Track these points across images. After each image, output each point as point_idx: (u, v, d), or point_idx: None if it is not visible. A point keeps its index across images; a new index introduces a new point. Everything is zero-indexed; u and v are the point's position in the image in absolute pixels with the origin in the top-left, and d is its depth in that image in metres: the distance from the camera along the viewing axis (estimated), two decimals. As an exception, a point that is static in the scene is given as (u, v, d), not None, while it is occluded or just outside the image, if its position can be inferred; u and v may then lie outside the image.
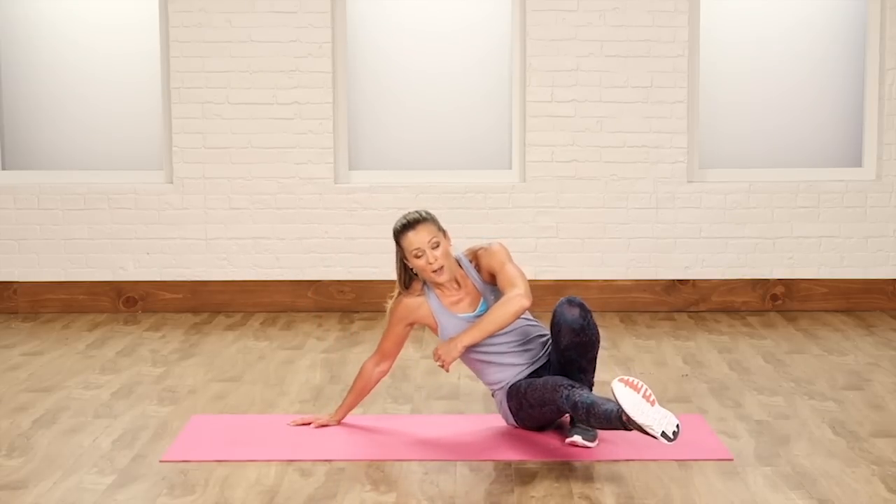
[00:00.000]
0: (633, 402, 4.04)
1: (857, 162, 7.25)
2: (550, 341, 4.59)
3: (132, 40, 7.24)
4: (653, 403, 4.06)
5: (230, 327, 6.79)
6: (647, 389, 4.08)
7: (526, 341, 4.61)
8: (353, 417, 4.87)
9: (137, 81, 7.26)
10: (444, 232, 4.54)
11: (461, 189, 7.13)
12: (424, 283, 4.62)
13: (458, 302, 4.60)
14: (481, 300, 4.61)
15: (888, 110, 7.07)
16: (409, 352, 5.95)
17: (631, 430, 4.13)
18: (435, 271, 4.48)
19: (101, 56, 7.28)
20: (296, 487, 4.08)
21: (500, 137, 7.25)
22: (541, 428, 4.60)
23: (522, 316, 4.57)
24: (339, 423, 4.77)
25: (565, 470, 4.23)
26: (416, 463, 4.32)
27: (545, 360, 4.62)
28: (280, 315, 7.10)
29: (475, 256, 4.63)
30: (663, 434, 4.04)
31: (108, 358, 6.06)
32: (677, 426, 4.06)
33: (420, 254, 4.47)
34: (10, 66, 7.29)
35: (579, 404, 4.25)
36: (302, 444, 4.53)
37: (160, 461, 4.36)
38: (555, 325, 4.47)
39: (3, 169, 7.29)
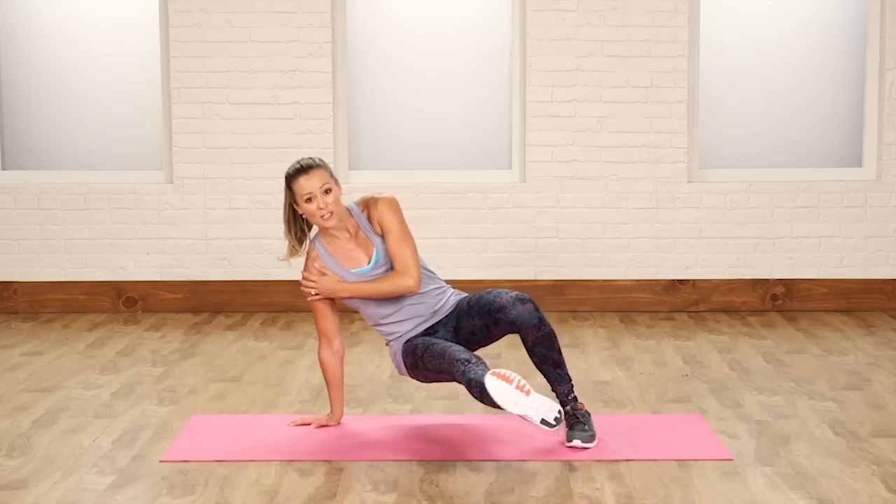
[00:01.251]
0: (506, 395, 4.16)
1: (857, 162, 7.25)
2: (451, 293, 4.69)
3: (132, 40, 7.24)
4: (528, 393, 4.18)
5: (230, 327, 6.79)
6: (520, 380, 4.19)
7: (423, 294, 4.63)
8: (352, 417, 4.87)
9: (137, 81, 7.26)
10: (335, 180, 4.57)
11: (461, 189, 7.13)
12: (316, 239, 4.65)
13: (350, 252, 4.63)
14: (374, 251, 4.63)
15: (888, 110, 7.08)
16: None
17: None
18: (324, 217, 4.52)
19: (101, 56, 7.28)
20: (296, 487, 4.08)
21: (500, 137, 7.25)
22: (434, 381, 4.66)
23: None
24: (338, 422, 4.77)
25: (565, 470, 4.23)
26: (416, 463, 4.32)
27: (443, 315, 4.65)
28: (280, 315, 7.10)
29: (366, 206, 4.67)
30: (543, 421, 4.19)
31: (108, 358, 6.06)
32: (559, 412, 4.22)
33: (311, 198, 4.51)
34: (10, 66, 7.29)
35: (473, 382, 4.27)
36: (302, 444, 4.53)
37: (160, 461, 4.36)
38: (510, 326, 4.48)
39: (3, 169, 7.29)
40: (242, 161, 7.12)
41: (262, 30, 7.05)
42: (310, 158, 4.60)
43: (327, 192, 4.52)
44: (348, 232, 4.63)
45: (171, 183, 7.18)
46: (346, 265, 4.62)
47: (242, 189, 7.13)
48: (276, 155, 7.10)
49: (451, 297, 4.69)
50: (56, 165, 7.30)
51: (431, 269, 4.75)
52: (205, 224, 7.14)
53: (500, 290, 4.54)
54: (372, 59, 7.24)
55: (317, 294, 4.61)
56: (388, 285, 4.56)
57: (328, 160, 7.05)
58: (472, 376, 4.28)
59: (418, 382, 4.98)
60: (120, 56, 7.27)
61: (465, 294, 4.71)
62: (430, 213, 6.99)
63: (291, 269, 7.13)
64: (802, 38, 7.26)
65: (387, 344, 4.74)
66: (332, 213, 4.53)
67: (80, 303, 7.19)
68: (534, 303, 4.50)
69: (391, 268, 4.60)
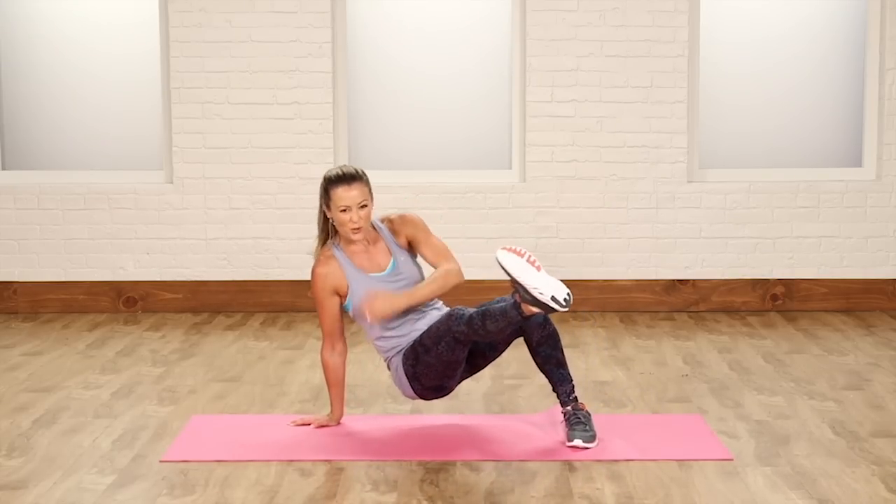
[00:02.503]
0: (518, 266, 4.20)
1: (857, 162, 7.25)
2: (445, 308, 4.70)
3: (132, 40, 7.24)
4: (539, 269, 4.22)
5: (230, 327, 6.79)
6: (531, 255, 4.24)
7: (424, 311, 4.65)
8: (352, 417, 4.88)
9: (137, 81, 7.26)
10: (372, 195, 4.60)
11: (461, 189, 7.13)
12: (334, 241, 4.65)
13: (367, 259, 4.64)
14: (391, 259, 4.65)
15: (888, 110, 7.08)
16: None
17: (527, 316, 4.27)
18: (353, 230, 4.54)
19: (101, 56, 7.28)
20: (296, 487, 4.08)
21: (500, 137, 7.25)
22: (439, 388, 4.60)
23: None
24: (338, 422, 4.77)
25: (565, 470, 4.24)
26: (416, 463, 4.32)
27: None
28: (280, 315, 7.10)
29: (390, 223, 4.72)
30: (553, 299, 4.17)
31: (108, 358, 6.06)
32: (569, 294, 4.19)
33: (346, 210, 4.52)
34: (10, 66, 7.29)
35: (474, 316, 4.33)
36: (302, 444, 4.53)
37: (160, 461, 4.36)
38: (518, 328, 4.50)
39: (3, 169, 7.29)
40: (242, 161, 7.12)
41: (262, 30, 7.05)
42: (353, 168, 4.59)
43: (363, 207, 4.54)
44: (366, 241, 4.64)
45: (171, 183, 7.18)
46: (363, 268, 4.63)
47: (242, 189, 7.13)
48: (276, 155, 7.11)
49: (446, 311, 4.68)
50: (56, 165, 7.30)
51: None
52: (205, 224, 7.14)
53: (500, 298, 4.54)
54: (372, 59, 7.25)
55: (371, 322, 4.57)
56: (438, 281, 4.56)
57: (328, 160, 7.07)
58: (471, 313, 4.34)
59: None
60: (120, 56, 7.27)
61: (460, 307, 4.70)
62: (430, 213, 6.98)
63: (291, 269, 7.16)
64: (802, 38, 7.27)
65: (388, 366, 4.73)
66: (361, 227, 4.54)
67: (80, 303, 7.20)
68: None
69: (408, 280, 4.62)
